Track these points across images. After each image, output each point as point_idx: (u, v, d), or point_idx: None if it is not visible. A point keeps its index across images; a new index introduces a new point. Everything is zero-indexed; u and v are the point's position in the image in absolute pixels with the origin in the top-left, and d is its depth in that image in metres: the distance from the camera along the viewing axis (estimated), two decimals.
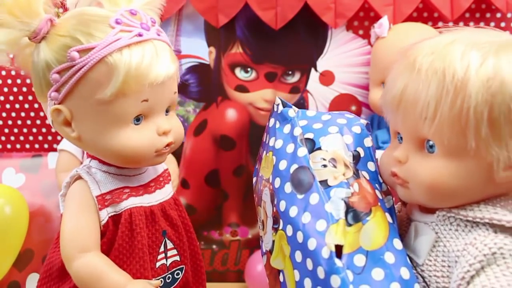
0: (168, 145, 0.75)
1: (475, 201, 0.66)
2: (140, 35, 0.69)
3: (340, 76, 1.42)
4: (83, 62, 0.67)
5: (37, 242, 1.31)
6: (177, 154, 1.40)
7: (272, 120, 0.81)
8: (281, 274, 0.73)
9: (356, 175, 0.70)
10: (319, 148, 0.72)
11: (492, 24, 1.30)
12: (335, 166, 0.70)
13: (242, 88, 1.42)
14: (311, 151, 0.72)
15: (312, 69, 1.41)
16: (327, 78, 1.41)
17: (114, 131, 0.71)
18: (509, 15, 1.30)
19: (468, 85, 0.59)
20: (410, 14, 1.32)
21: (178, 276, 0.83)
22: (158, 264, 0.79)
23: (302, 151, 0.72)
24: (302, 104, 1.42)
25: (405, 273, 0.64)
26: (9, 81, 1.36)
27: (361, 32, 1.39)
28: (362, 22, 1.38)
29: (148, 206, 0.79)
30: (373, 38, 1.29)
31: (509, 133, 0.59)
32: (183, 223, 0.85)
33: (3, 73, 1.36)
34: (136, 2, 0.75)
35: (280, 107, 0.80)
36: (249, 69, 1.41)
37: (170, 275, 0.81)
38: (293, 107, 0.80)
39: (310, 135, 0.74)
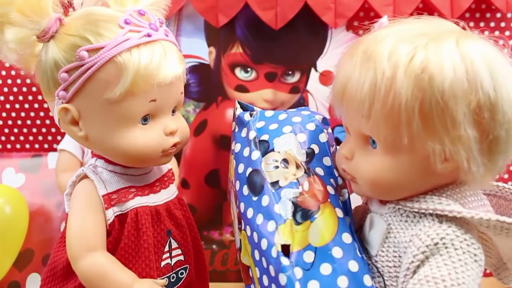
0: (174, 145, 0.76)
1: (422, 192, 0.67)
2: (149, 35, 0.70)
3: None
4: (92, 61, 0.68)
5: (37, 242, 1.30)
6: (177, 154, 1.39)
7: (233, 124, 0.82)
8: (249, 270, 0.75)
9: (308, 173, 0.72)
10: (273, 150, 0.74)
11: (492, 24, 1.31)
12: (286, 167, 0.72)
13: (242, 88, 1.41)
14: (265, 153, 0.74)
15: (312, 69, 1.41)
16: (327, 78, 1.41)
17: (122, 130, 0.72)
18: (509, 15, 1.30)
19: (397, 82, 0.59)
20: (410, 14, 1.32)
21: (182, 276, 0.83)
22: (163, 263, 0.80)
23: (255, 154, 0.74)
24: (302, 104, 1.42)
25: (353, 266, 0.66)
26: (9, 81, 1.35)
27: (361, 32, 1.39)
28: (362, 22, 1.38)
29: (153, 206, 0.79)
30: None
31: (442, 126, 0.60)
32: (187, 223, 0.85)
33: (3, 73, 1.35)
34: (142, 2, 0.75)
35: (238, 111, 0.81)
36: (249, 69, 1.41)
37: (174, 275, 0.81)
38: (255, 108, 0.81)
39: (265, 137, 0.76)
